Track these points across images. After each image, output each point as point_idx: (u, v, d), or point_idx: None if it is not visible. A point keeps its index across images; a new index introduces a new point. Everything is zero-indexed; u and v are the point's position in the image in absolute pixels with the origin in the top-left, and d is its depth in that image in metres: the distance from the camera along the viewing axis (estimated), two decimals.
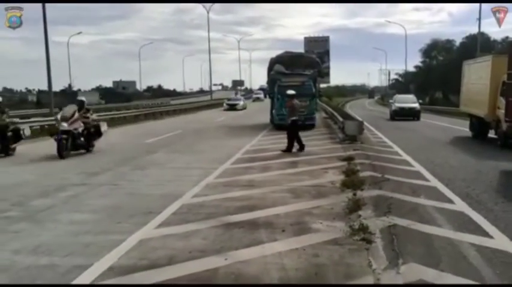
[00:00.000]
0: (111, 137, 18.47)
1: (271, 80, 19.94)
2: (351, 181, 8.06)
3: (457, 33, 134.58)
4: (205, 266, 4.24)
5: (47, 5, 21.10)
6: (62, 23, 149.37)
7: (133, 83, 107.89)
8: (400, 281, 3.91)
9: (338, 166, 10.03)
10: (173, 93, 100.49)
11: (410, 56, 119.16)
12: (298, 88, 18.28)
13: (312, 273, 4.11)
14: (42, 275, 4.13)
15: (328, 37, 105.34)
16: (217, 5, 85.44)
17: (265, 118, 22.84)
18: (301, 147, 12.66)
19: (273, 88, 19.43)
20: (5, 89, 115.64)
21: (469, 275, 4.03)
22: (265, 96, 66.68)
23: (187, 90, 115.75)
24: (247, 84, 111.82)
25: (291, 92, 13.79)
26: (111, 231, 5.45)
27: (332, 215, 6.00)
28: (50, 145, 13.00)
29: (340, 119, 17.30)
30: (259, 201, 6.91)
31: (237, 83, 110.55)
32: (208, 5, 54.13)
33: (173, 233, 5.32)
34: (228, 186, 8.10)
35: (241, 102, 42.65)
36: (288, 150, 12.44)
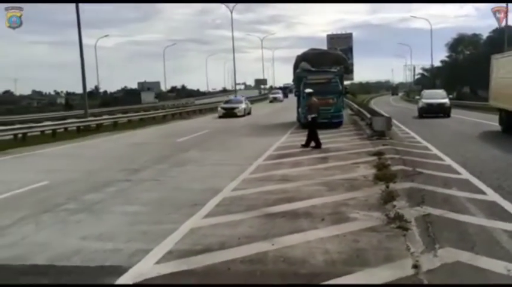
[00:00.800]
0: (143, 136, 19.20)
1: (297, 77, 20.23)
2: (383, 175, 8.34)
3: (483, 27, 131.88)
4: (255, 250, 4.64)
5: (72, 7, 21.15)
6: (87, 26, 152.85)
7: (157, 83, 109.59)
8: (438, 263, 4.21)
9: (368, 161, 10.29)
10: (197, 93, 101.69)
11: (436, 50, 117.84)
12: (325, 86, 18.61)
13: (354, 256, 4.46)
14: (111, 257, 4.62)
15: (351, 34, 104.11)
16: (239, 5, 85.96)
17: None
18: (318, 145, 12.93)
19: (299, 86, 19.70)
20: (34, 91, 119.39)
21: (503, 257, 4.30)
22: (285, 96, 65.24)
23: (211, 89, 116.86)
24: (270, 83, 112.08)
25: (309, 90, 14.20)
26: (163, 221, 5.92)
27: (367, 206, 6.31)
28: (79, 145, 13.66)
29: (368, 115, 17.46)
30: (296, 193, 7.28)
31: (260, 82, 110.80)
32: (231, 4, 54.53)
33: (220, 222, 5.75)
34: (264, 180, 8.49)
35: (243, 105, 30.96)
36: (306, 145, 12.95)
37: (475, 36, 65.71)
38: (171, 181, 8.77)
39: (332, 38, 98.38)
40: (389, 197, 6.60)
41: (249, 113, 31.71)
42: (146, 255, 4.61)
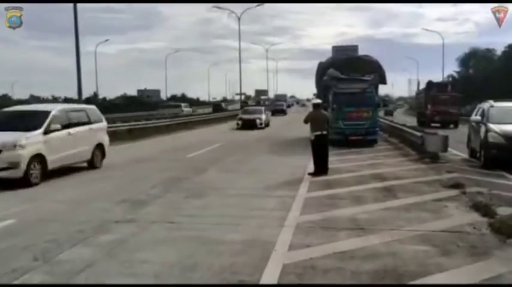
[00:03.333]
0: (147, 149, 16.52)
1: (324, 87, 17.63)
2: (502, 223, 5.72)
3: (483, 44, 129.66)
4: None
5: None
6: (90, 33, 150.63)
7: (157, 91, 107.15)
8: None
9: (452, 197, 7.69)
10: (196, 103, 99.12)
11: (438, 65, 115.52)
12: (359, 96, 16.09)
13: None
14: None
15: (356, 46, 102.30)
16: (244, 15, 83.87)
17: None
18: (322, 170, 10.08)
19: (327, 96, 17.11)
20: (32, 96, 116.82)
21: None
22: (288, 106, 62.79)
23: (211, 99, 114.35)
24: (271, 94, 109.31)
25: (316, 101, 11.46)
26: None
27: None
28: None
29: (414, 132, 14.85)
30: (396, 261, 4.62)
31: (260, 93, 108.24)
32: (238, 12, 52.38)
33: None
34: (328, 228, 5.85)
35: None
36: (316, 173, 10.02)
37: (489, 52, 63.71)
38: (191, 225, 6.08)
39: (338, 50, 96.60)
40: None
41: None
42: None
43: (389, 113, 49.23)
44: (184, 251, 4.97)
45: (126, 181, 9.73)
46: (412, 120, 33.42)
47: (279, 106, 54.23)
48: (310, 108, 11.64)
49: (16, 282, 4.15)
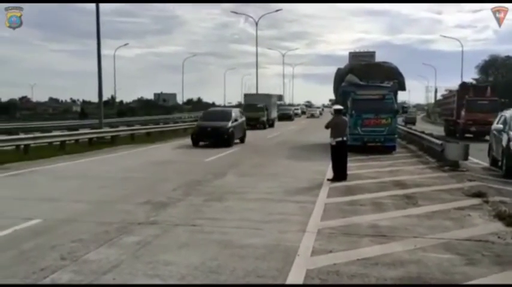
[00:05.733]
0: (166, 152, 16.68)
1: (343, 92, 17.57)
2: None
3: (503, 51, 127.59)
4: None
5: (94, 18, 20.23)
6: (109, 37, 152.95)
7: (173, 95, 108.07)
8: None
9: (474, 205, 7.62)
10: (212, 107, 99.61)
11: (456, 73, 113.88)
12: (377, 103, 16.00)
13: None
14: None
15: (374, 52, 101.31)
16: (261, 20, 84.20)
17: None
18: (340, 176, 10.10)
19: (345, 103, 17.05)
20: (51, 98, 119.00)
21: None
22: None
23: (227, 103, 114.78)
24: (288, 99, 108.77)
25: (337, 107, 11.38)
26: None
27: None
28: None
29: (434, 139, 14.70)
30: (420, 269, 4.60)
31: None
32: (256, 17, 52.55)
33: None
34: (350, 235, 5.84)
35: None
36: (335, 179, 10.04)
37: (509, 59, 62.76)
38: (213, 228, 6.13)
39: (354, 56, 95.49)
40: None
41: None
42: None
43: (411, 121, 43.23)
44: (207, 254, 5.01)
45: (147, 183, 9.85)
46: (434, 129, 26.25)
47: (286, 110, 50.35)
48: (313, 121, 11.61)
49: (45, 281, 4.24)
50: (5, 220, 6.36)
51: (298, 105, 78.28)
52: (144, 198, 7.98)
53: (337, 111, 10.89)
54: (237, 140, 19.54)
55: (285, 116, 46.92)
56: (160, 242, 5.46)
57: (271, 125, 35.05)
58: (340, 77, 18.88)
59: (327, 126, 10.72)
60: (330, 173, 10.56)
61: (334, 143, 10.34)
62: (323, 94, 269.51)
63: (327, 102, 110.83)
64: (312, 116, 58.68)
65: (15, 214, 6.74)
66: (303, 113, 64.71)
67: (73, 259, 4.79)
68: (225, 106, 63.31)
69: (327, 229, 6.08)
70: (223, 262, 4.76)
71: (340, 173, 10.14)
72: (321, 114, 61.91)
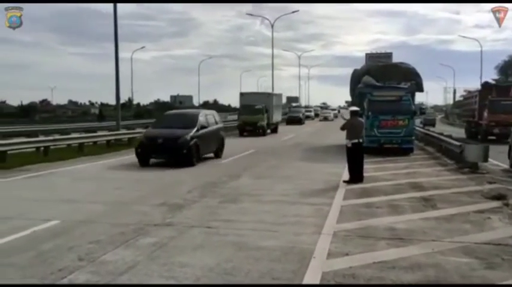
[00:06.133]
0: None
1: (359, 94, 17.42)
2: None
3: None
4: None
5: (110, 21, 20.29)
6: (126, 40, 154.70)
7: (189, 97, 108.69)
8: None
9: (494, 208, 7.48)
10: (227, 109, 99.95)
11: (475, 73, 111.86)
12: (395, 104, 15.85)
13: None
14: None
15: (391, 53, 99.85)
16: (277, 22, 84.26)
17: None
18: (357, 178, 10.00)
19: (362, 104, 16.90)
20: (70, 101, 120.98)
21: None
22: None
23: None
24: (304, 101, 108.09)
25: (354, 108, 11.23)
26: None
27: None
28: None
29: (453, 141, 14.47)
30: (438, 272, 4.52)
31: (291, 100, 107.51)
32: (272, 19, 52.52)
33: None
34: (366, 237, 5.78)
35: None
36: (351, 181, 9.96)
37: None
38: (229, 230, 6.13)
39: (371, 57, 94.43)
40: None
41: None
42: None
43: (430, 122, 41.19)
44: (223, 256, 5.01)
45: (163, 185, 9.93)
46: (452, 131, 24.46)
47: (295, 113, 47.00)
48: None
49: (63, 281, 4.29)
50: (25, 221, 6.47)
51: (308, 107, 75.58)
52: (160, 199, 8.04)
53: (353, 112, 10.81)
54: (210, 154, 14.73)
55: (294, 120, 42.89)
56: (176, 244, 5.49)
57: (274, 131, 29.87)
58: (356, 78, 18.73)
59: (342, 128, 10.65)
60: (345, 175, 10.48)
61: (350, 145, 10.26)
62: (339, 96, 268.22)
63: (343, 103, 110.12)
64: (325, 119, 53.83)
65: (34, 215, 6.85)
66: (316, 115, 60.22)
67: (90, 260, 4.85)
68: (197, 107, 58.68)
69: (343, 232, 6.03)
70: (238, 263, 4.75)
71: (356, 175, 10.06)
72: (336, 117, 57.50)
